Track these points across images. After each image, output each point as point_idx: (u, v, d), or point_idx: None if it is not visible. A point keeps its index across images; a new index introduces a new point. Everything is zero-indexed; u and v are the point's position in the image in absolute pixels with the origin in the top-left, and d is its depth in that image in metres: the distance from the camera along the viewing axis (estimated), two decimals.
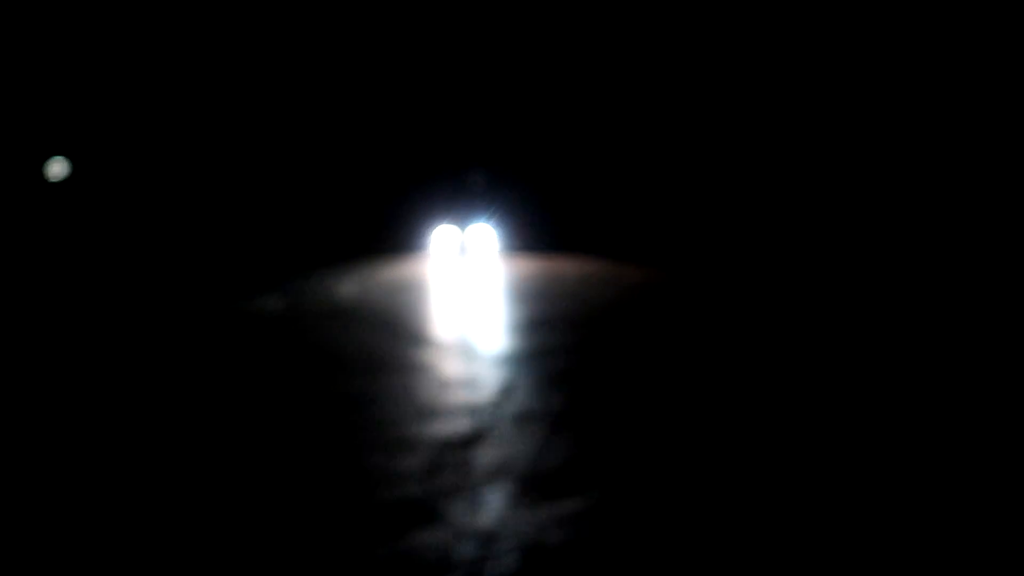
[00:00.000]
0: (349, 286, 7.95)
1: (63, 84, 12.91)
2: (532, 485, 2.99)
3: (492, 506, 2.83)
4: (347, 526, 2.68)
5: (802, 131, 11.23)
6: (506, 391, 4.21)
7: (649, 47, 12.00)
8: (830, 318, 6.00)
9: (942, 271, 7.62)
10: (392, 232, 11.35)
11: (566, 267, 8.98)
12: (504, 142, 12.86)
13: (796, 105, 11.32)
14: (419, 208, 11.32)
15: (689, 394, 4.17)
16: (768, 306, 6.56)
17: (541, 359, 4.90)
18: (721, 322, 6.01)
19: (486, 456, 3.29)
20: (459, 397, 4.12)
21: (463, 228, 10.95)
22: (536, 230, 11.16)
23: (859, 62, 10.82)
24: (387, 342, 5.55)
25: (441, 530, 2.64)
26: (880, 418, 3.69)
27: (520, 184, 12.14)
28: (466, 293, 7.63)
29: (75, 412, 3.99)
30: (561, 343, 5.33)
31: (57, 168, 13.23)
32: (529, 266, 9.25)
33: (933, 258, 8.24)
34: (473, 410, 3.88)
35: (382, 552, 2.50)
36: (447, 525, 2.68)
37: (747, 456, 3.27)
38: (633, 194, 12.06)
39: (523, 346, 5.28)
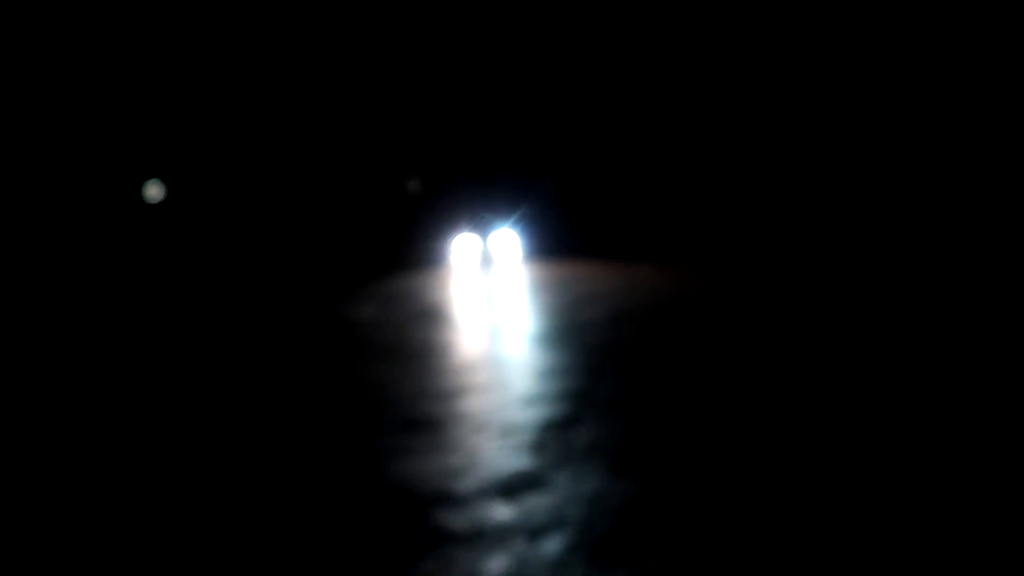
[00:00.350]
0: (426, 292, 8.41)
1: (159, 114, 13.81)
2: (626, 459, 3.32)
3: (593, 476, 3.17)
4: (469, 491, 3.06)
5: (825, 132, 11.27)
6: (595, 380, 4.55)
7: (681, 51, 12.17)
8: (866, 317, 6.15)
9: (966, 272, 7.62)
10: (436, 243, 11.55)
11: (607, 270, 9.22)
12: (528, 148, 13.03)
13: (821, 107, 11.36)
14: (452, 217, 11.38)
15: (761, 386, 4.43)
16: (795, 304, 6.73)
17: (621, 350, 5.23)
18: (773, 320, 6.23)
19: (584, 435, 3.63)
20: (554, 386, 4.47)
21: (487, 235, 10.95)
22: (561, 235, 11.27)
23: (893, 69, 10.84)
24: (476, 340, 5.95)
25: (552, 494, 3.00)
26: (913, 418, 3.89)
27: (544, 189, 12.25)
28: (528, 294, 8.00)
29: (181, 405, 4.50)
30: (635, 336, 5.64)
31: (154, 190, 14.13)
32: (570, 270, 9.50)
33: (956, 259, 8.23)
34: (569, 396, 4.24)
35: (502, 511, 2.86)
36: (557, 490, 3.03)
37: (819, 447, 3.53)
38: (657, 195, 12.18)
39: (602, 340, 5.61)
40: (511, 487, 3.08)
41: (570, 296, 7.79)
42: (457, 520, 2.82)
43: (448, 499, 3.00)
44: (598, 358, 5.12)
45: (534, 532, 2.69)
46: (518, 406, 4.13)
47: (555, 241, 11.12)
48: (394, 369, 5.16)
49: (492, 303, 7.70)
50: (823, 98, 11.33)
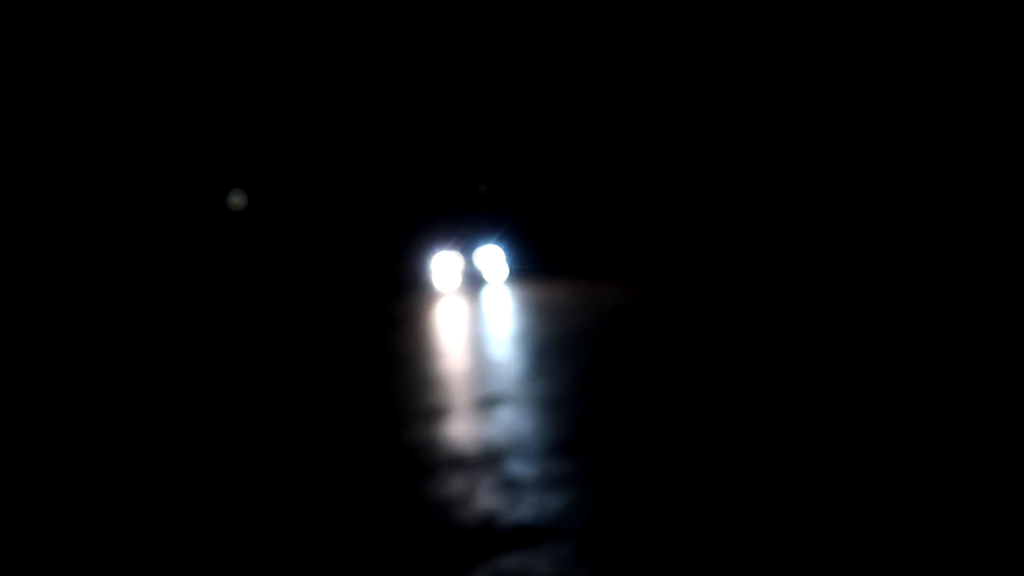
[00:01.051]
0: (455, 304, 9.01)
1: (244, 128, 14.81)
2: (658, 431, 3.85)
3: (633, 442, 3.70)
4: (536, 449, 3.62)
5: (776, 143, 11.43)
6: (626, 372, 5.08)
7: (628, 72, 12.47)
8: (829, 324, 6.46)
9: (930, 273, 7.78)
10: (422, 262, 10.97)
11: (592, 288, 9.52)
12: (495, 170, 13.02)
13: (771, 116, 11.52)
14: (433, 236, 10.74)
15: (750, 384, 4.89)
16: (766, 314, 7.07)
17: (642, 350, 5.74)
18: (734, 329, 6.61)
19: (627, 411, 4.17)
20: (597, 376, 5.01)
21: (471, 253, 10.34)
22: (538, 255, 11.11)
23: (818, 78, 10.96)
24: (520, 342, 6.52)
25: (602, 454, 3.54)
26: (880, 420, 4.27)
27: (513, 210, 12.06)
28: (546, 306, 8.52)
29: (256, 391, 5.17)
30: (652, 340, 6.15)
31: (237, 199, 15.12)
32: (561, 289, 9.59)
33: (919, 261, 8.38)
34: (615, 385, 4.77)
35: (562, 464, 3.42)
36: (606, 451, 3.58)
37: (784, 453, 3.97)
38: (621, 214, 12.37)
39: (630, 342, 6.13)
40: (569, 447, 3.63)
41: (592, 307, 8.30)
42: (526, 470, 3.39)
43: (518, 454, 3.57)
44: (628, 357, 5.65)
45: (588, 479, 3.23)
46: (572, 387, 4.69)
47: (529, 262, 10.92)
48: (457, 364, 5.77)
49: (515, 314, 8.18)
50: (775, 118, 11.59)
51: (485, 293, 9.53)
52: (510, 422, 4.08)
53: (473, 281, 10.39)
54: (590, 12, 12.57)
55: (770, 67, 11.64)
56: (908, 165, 10.37)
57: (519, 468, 3.41)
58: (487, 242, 10.47)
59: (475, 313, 8.16)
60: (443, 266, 10.17)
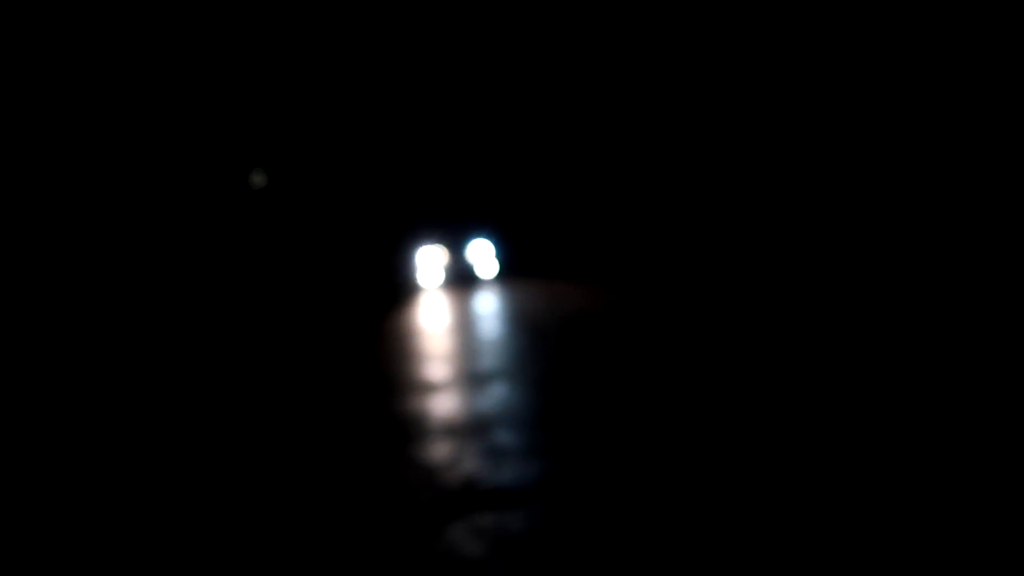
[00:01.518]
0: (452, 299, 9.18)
1: (266, 110, 15.05)
2: (641, 408, 4.00)
3: (592, 419, 3.86)
4: (523, 419, 3.79)
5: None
6: (598, 355, 5.23)
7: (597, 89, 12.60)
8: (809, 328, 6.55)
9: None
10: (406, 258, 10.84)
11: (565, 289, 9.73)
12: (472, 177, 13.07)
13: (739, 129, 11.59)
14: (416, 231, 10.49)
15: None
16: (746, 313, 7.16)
17: (609, 339, 5.88)
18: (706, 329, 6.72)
19: (599, 385, 4.33)
20: (573, 358, 5.17)
21: (461, 248, 10.03)
22: (529, 253, 11.23)
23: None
24: (509, 330, 6.69)
25: (584, 426, 3.71)
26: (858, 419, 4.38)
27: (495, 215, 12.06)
28: (531, 299, 8.67)
29: (269, 375, 5.37)
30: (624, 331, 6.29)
31: (258, 178, 15.37)
32: (555, 288, 9.96)
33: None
34: (588, 366, 4.93)
35: (542, 435, 3.59)
36: (590, 424, 3.74)
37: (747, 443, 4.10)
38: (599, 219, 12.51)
39: (602, 331, 6.27)
40: (554, 420, 3.80)
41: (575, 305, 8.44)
42: (511, 439, 3.56)
43: (505, 425, 3.75)
44: (622, 341, 5.80)
45: (568, 450, 3.40)
46: (564, 367, 4.86)
47: (520, 260, 10.94)
48: (453, 344, 5.95)
49: (510, 303, 8.40)
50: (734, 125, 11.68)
51: (477, 285, 9.61)
52: (501, 397, 4.26)
53: (464, 275, 10.42)
54: (593, 25, 12.76)
55: (753, 75, 11.74)
56: (883, 168, 10.40)
57: (505, 437, 3.59)
58: (478, 237, 10.35)
59: (471, 302, 8.35)
60: (431, 260, 10.06)
